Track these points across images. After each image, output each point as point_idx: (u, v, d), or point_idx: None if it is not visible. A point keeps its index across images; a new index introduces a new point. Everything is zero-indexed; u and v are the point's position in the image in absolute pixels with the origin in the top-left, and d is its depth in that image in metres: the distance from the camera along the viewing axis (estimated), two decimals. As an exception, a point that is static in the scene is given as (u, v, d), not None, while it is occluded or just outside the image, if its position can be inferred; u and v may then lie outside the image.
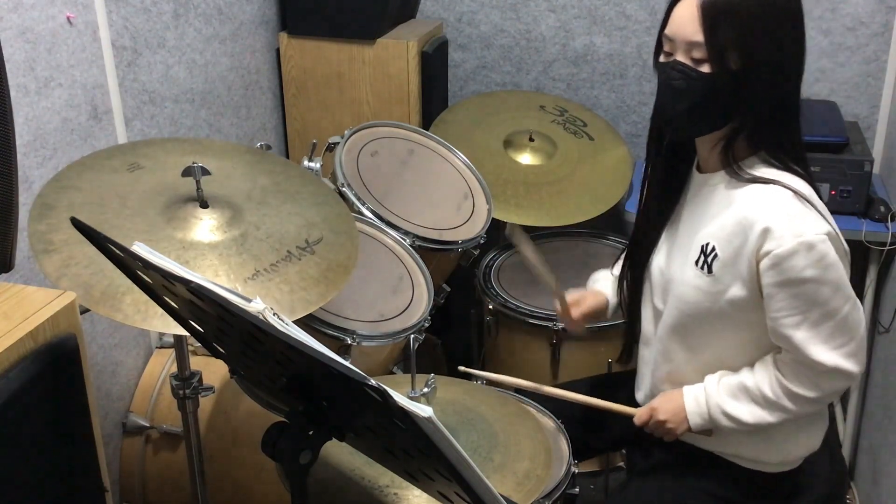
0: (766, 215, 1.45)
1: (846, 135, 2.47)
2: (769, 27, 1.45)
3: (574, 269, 2.43)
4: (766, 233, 1.44)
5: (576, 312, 1.82)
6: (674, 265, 1.63)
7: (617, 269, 1.90)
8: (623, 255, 1.92)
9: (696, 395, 1.62)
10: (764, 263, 1.46)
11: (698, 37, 1.44)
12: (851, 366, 1.50)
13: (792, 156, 1.53)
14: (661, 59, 1.53)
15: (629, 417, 1.70)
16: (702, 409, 1.60)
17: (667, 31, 1.50)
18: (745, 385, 1.56)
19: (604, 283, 1.90)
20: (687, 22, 1.46)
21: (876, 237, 2.40)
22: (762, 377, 1.55)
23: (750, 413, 1.56)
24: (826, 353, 1.48)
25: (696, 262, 1.56)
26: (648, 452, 1.88)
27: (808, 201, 1.47)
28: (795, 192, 1.47)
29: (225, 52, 2.53)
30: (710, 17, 1.43)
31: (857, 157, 2.41)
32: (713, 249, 1.53)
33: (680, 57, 1.48)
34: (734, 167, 1.53)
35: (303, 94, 2.79)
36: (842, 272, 1.47)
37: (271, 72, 2.79)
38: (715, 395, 1.59)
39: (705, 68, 1.46)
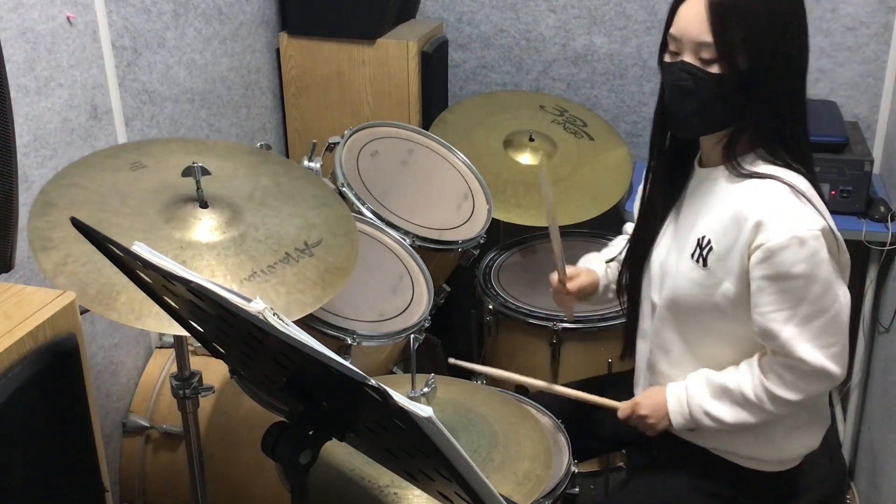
0: (759, 209, 1.45)
1: (846, 135, 2.47)
2: (775, 25, 1.45)
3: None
4: (758, 226, 1.45)
5: (572, 285, 1.82)
6: (671, 258, 1.63)
7: (607, 253, 1.91)
8: (615, 243, 1.93)
9: (678, 395, 1.62)
10: (755, 256, 1.46)
11: (706, 37, 1.44)
12: (835, 367, 1.49)
13: (794, 153, 1.53)
14: (667, 59, 1.52)
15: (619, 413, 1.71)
16: (683, 409, 1.61)
17: (672, 30, 1.50)
18: (727, 386, 1.56)
19: (595, 264, 1.90)
20: (694, 22, 1.45)
21: (876, 237, 2.40)
22: (745, 378, 1.55)
23: (731, 414, 1.57)
24: (812, 352, 1.48)
25: (692, 255, 1.56)
26: (649, 451, 1.88)
27: (804, 197, 1.47)
28: (792, 186, 1.47)
29: (225, 52, 2.53)
30: (718, 17, 1.43)
31: (857, 157, 2.41)
32: (708, 242, 1.53)
33: (687, 57, 1.48)
34: (734, 163, 1.53)
35: (303, 94, 2.79)
36: (832, 271, 1.47)
37: (271, 72, 2.79)
38: (697, 396, 1.60)
39: (714, 69, 1.46)
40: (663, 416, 1.64)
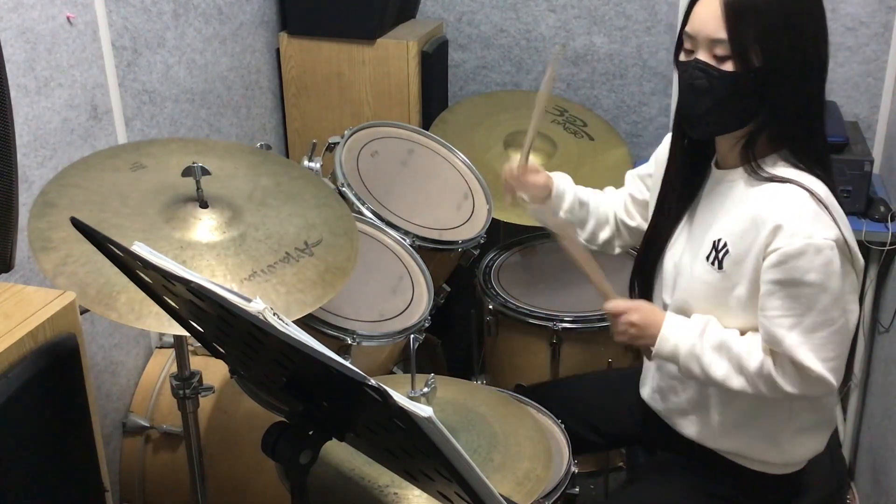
0: (779, 213, 1.44)
1: (846, 135, 2.47)
2: (790, 24, 1.46)
3: (574, 270, 2.43)
4: (777, 229, 1.43)
5: (525, 177, 1.86)
6: (685, 260, 1.62)
7: (581, 190, 1.92)
8: (596, 192, 1.94)
9: (678, 327, 1.57)
10: (770, 259, 1.45)
11: (721, 34, 1.44)
12: (833, 380, 1.48)
13: (814, 156, 1.52)
14: (682, 57, 1.52)
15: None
16: (678, 343, 1.56)
17: (688, 28, 1.50)
18: (731, 347, 1.52)
19: (561, 179, 1.92)
20: (709, 19, 1.45)
21: (876, 237, 2.39)
22: (753, 350, 1.51)
23: (721, 372, 1.53)
24: (814, 362, 1.46)
25: (707, 258, 1.55)
26: (649, 452, 1.88)
27: (823, 204, 1.46)
28: (812, 192, 1.46)
29: (225, 52, 2.53)
30: (733, 13, 1.43)
31: (857, 157, 2.41)
32: (724, 245, 1.52)
33: (702, 55, 1.48)
34: (753, 165, 1.52)
35: (303, 94, 2.78)
36: (842, 282, 1.46)
37: (271, 72, 2.79)
38: (697, 339, 1.55)
39: (728, 66, 1.45)
40: (650, 336, 1.59)
